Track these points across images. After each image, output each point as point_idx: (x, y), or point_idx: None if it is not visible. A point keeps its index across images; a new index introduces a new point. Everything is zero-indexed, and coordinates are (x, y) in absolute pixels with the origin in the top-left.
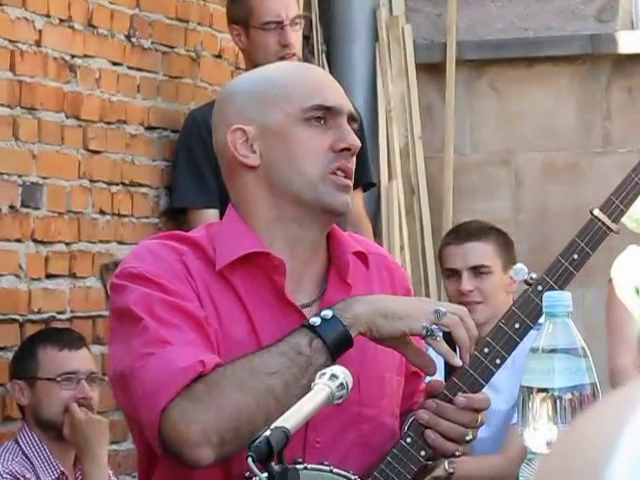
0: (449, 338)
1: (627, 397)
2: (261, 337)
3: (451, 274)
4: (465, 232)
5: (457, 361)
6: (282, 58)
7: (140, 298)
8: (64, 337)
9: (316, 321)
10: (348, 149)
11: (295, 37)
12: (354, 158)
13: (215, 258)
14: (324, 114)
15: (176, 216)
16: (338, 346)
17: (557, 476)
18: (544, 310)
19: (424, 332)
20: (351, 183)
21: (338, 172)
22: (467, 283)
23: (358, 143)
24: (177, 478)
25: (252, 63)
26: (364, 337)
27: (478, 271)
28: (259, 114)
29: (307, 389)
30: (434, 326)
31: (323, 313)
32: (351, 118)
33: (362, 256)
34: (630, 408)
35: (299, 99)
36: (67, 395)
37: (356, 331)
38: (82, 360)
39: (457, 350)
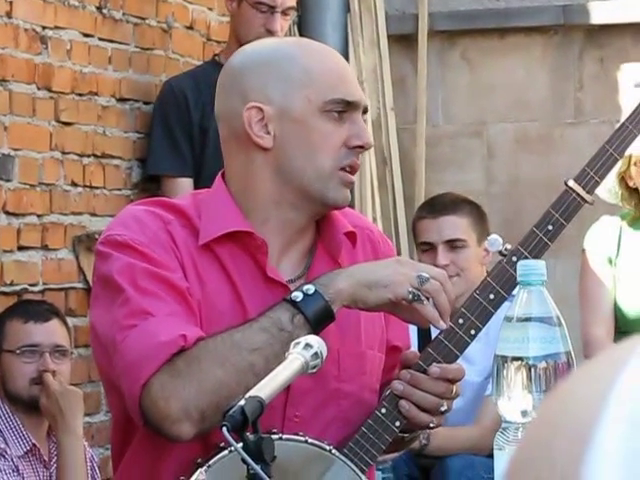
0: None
1: (613, 359)
2: (247, 308)
3: (426, 248)
4: (439, 205)
5: (442, 324)
6: None
7: (124, 268)
8: (31, 309)
9: (298, 296)
10: (362, 146)
11: (282, 26)
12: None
13: (200, 229)
14: (344, 108)
15: (149, 187)
16: (320, 321)
17: (545, 439)
18: (518, 279)
19: (410, 297)
20: (354, 179)
21: (347, 168)
22: (443, 257)
23: (372, 141)
24: (154, 449)
25: (235, 33)
26: (346, 312)
27: (453, 244)
28: (280, 96)
29: None
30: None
31: (305, 288)
32: (364, 111)
33: (351, 235)
34: (616, 369)
35: (323, 89)
36: (30, 369)
37: (339, 305)
38: (47, 333)
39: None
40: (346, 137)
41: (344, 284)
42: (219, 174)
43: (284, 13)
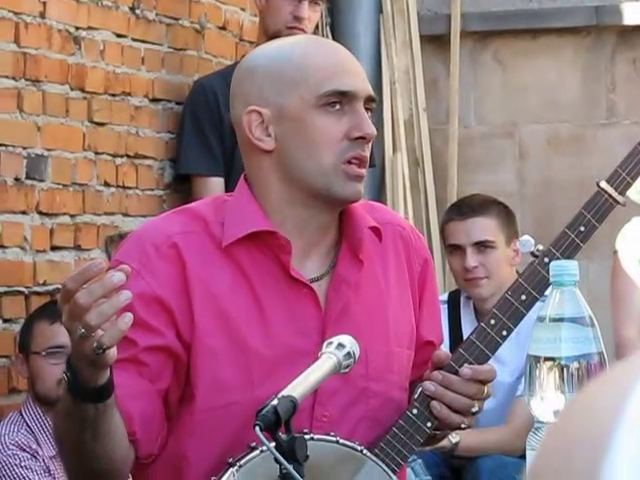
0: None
1: (631, 367)
2: (266, 310)
3: (455, 250)
4: (467, 207)
5: None
6: (290, 29)
7: None
8: (58, 310)
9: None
10: (363, 137)
11: (310, 15)
12: (369, 144)
13: (221, 234)
14: (340, 99)
15: (181, 188)
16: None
17: (564, 449)
18: (551, 279)
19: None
20: (364, 172)
21: (353, 161)
22: (472, 259)
23: (374, 131)
24: (172, 462)
25: (264, 27)
26: (374, 311)
27: (482, 246)
28: (276, 96)
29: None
30: None
31: None
32: (369, 99)
33: (376, 230)
34: (634, 377)
35: (315, 84)
36: (57, 370)
37: None
38: None
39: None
40: (347, 129)
41: None
42: (242, 176)
43: (313, 2)
